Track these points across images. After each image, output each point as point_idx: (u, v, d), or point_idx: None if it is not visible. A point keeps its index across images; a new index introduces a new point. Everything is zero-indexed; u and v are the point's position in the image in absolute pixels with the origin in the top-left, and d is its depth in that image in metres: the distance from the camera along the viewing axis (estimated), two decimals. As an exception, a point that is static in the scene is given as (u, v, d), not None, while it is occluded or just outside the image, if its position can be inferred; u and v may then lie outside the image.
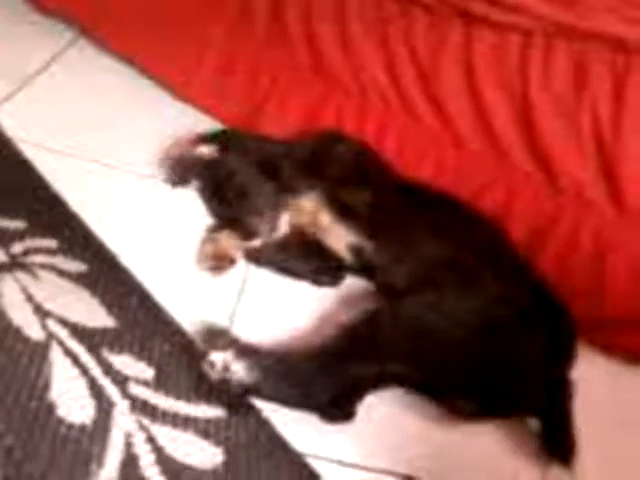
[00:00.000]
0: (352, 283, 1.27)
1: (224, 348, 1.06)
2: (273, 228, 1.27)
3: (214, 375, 1.03)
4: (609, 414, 1.14)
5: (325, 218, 1.26)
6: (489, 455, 1.09)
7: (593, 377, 1.15)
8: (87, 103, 1.55)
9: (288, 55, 1.42)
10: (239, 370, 1.03)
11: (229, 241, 1.26)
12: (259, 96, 1.47)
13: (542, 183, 1.22)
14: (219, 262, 1.25)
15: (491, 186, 1.27)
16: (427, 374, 1.08)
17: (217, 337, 1.16)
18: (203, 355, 1.06)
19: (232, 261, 1.25)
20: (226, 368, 1.03)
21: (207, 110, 1.53)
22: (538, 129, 1.19)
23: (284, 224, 1.28)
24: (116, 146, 1.45)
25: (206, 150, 1.34)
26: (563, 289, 1.16)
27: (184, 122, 1.52)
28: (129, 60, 1.61)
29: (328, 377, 1.05)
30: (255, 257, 1.28)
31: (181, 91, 1.54)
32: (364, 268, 1.24)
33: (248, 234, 1.25)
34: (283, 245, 1.28)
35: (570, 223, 1.20)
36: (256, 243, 1.25)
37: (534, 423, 1.10)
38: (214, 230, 1.31)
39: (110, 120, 1.51)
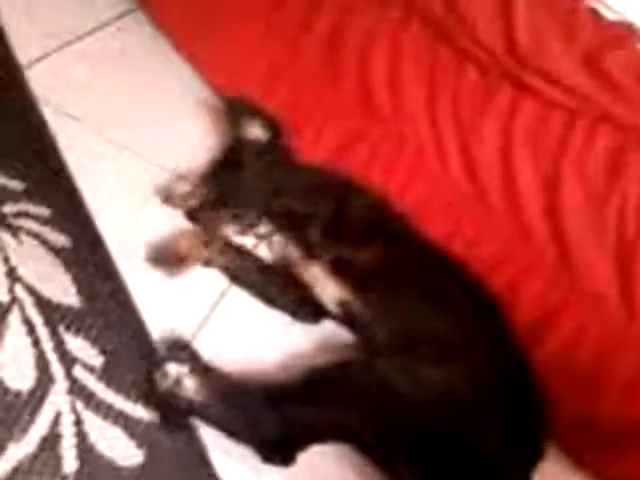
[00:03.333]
0: (331, 329, 1.46)
1: (181, 361, 1.27)
2: (253, 225, 1.53)
3: (164, 385, 1.25)
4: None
5: (316, 270, 1.46)
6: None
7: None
8: (124, 80, 1.82)
9: (336, 81, 1.66)
10: (190, 387, 1.25)
11: (190, 242, 1.49)
12: (300, 114, 1.70)
13: (557, 267, 1.39)
14: (172, 261, 1.46)
15: (506, 261, 1.45)
16: (379, 435, 1.26)
17: (179, 348, 1.35)
18: (159, 362, 1.28)
19: (183, 260, 1.46)
20: (178, 382, 1.25)
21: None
22: (563, 211, 1.37)
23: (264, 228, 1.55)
24: (141, 133, 1.70)
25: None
26: (555, 388, 1.32)
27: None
28: (176, 46, 1.88)
29: (278, 415, 1.24)
30: (235, 275, 1.49)
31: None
32: (347, 319, 1.44)
33: (232, 216, 1.52)
34: (267, 270, 1.50)
35: (577, 317, 1.37)
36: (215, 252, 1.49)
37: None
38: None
39: (141, 104, 1.77)
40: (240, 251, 1.52)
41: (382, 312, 1.41)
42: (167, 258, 1.48)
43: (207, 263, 1.49)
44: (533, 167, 1.41)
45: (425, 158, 1.54)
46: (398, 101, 1.58)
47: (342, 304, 1.43)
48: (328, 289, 1.44)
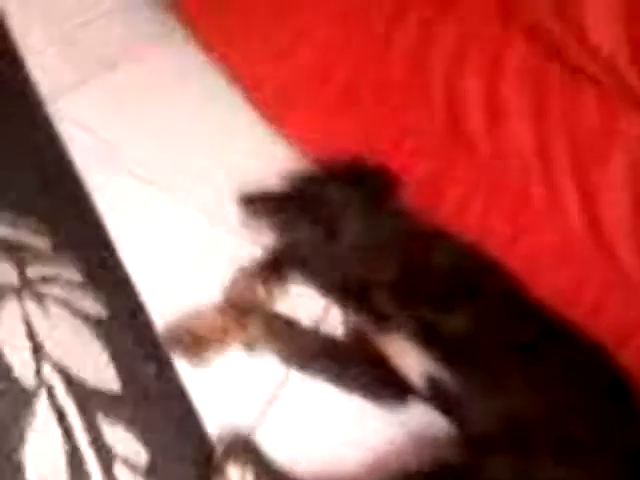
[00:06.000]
0: (421, 417, 1.42)
1: (245, 463, 1.23)
2: None
3: (225, 494, 1.22)
4: None
5: (396, 338, 1.41)
6: None
7: None
8: (166, 112, 1.83)
9: (420, 108, 1.62)
10: None
11: (212, 319, 1.44)
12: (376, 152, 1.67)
13: None
14: (189, 345, 1.41)
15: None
16: None
17: (241, 447, 1.29)
18: (217, 464, 1.24)
19: (201, 344, 1.41)
20: None
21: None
22: None
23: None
24: (185, 173, 1.71)
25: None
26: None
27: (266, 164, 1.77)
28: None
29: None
30: (292, 361, 1.45)
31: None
32: (437, 398, 1.39)
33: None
34: (334, 349, 1.47)
35: None
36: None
37: None
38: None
39: (185, 139, 1.78)
40: (294, 329, 1.48)
41: (480, 390, 1.35)
42: (183, 341, 1.42)
43: (249, 347, 1.44)
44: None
45: (533, 206, 1.48)
46: (496, 128, 1.51)
47: (429, 378, 1.38)
48: (411, 359, 1.40)
